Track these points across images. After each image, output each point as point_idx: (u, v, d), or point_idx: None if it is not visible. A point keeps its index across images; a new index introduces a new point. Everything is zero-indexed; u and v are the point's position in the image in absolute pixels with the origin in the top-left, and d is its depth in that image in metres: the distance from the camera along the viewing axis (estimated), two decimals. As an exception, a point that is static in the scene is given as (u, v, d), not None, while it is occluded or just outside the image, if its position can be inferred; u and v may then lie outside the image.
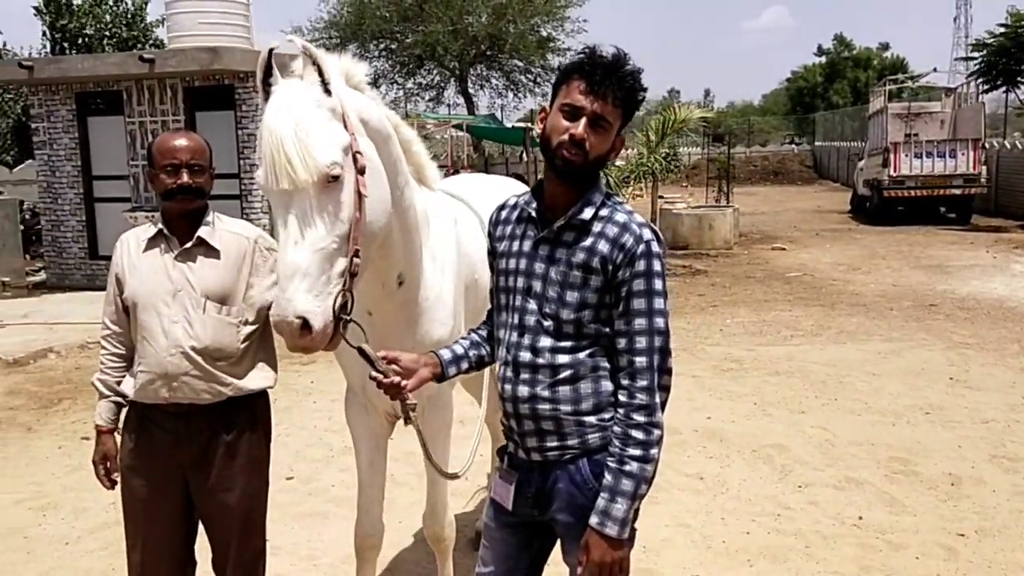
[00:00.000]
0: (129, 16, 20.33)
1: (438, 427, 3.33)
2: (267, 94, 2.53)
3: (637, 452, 2.30)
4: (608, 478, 2.31)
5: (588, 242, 2.33)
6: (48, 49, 19.65)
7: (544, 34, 30.17)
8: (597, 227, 2.35)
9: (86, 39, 19.00)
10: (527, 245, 2.44)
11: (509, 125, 28.58)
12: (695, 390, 7.50)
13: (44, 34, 19.97)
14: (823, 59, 65.41)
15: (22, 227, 15.13)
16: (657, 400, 2.33)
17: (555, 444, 2.40)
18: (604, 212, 2.37)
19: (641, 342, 2.31)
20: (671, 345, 2.38)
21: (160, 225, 2.99)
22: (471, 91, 31.88)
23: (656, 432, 2.32)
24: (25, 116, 15.99)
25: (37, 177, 13.91)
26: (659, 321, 2.33)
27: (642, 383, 2.31)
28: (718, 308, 11.34)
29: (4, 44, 20.26)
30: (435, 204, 3.27)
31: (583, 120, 2.29)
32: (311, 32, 30.09)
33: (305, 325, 2.33)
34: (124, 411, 3.09)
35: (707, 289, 12.84)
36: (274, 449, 3.29)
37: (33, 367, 8.82)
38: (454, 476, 3.01)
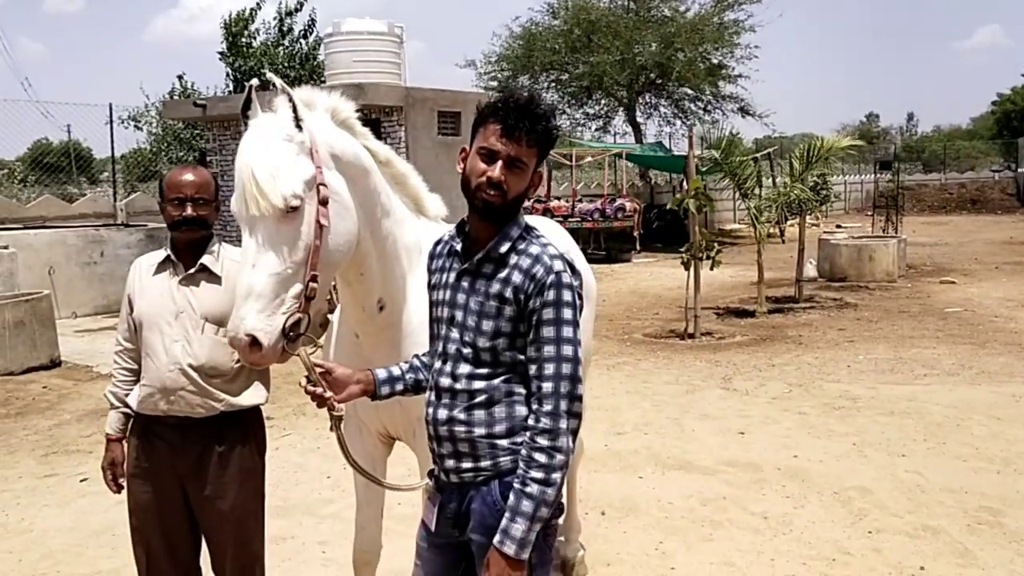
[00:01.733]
0: (301, 56, 21.90)
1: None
2: (247, 127, 2.77)
3: (539, 475, 2.38)
4: (511, 499, 2.40)
5: (503, 273, 2.45)
6: (231, 89, 21.47)
7: (714, 61, 29.83)
8: (513, 259, 2.46)
9: (261, 79, 20.50)
10: (452, 277, 2.58)
11: (676, 153, 28.36)
12: (794, 428, 7.28)
13: (227, 75, 21.86)
14: (1033, 80, 60.71)
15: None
16: (563, 425, 2.40)
17: (470, 466, 2.51)
18: (520, 245, 2.48)
19: (549, 369, 2.40)
20: (581, 372, 2.45)
21: (168, 252, 3.33)
22: (639, 119, 31.89)
23: (559, 457, 2.39)
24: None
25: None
26: (567, 349, 2.41)
27: (547, 408, 2.39)
28: (854, 344, 10.86)
29: (192, 85, 22.36)
30: (433, 235, 3.40)
31: (499, 163, 2.42)
32: (484, 65, 31.07)
33: (255, 343, 2.54)
34: (131, 422, 3.42)
35: (850, 323, 12.30)
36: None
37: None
38: (397, 488, 3.14)
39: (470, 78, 31.58)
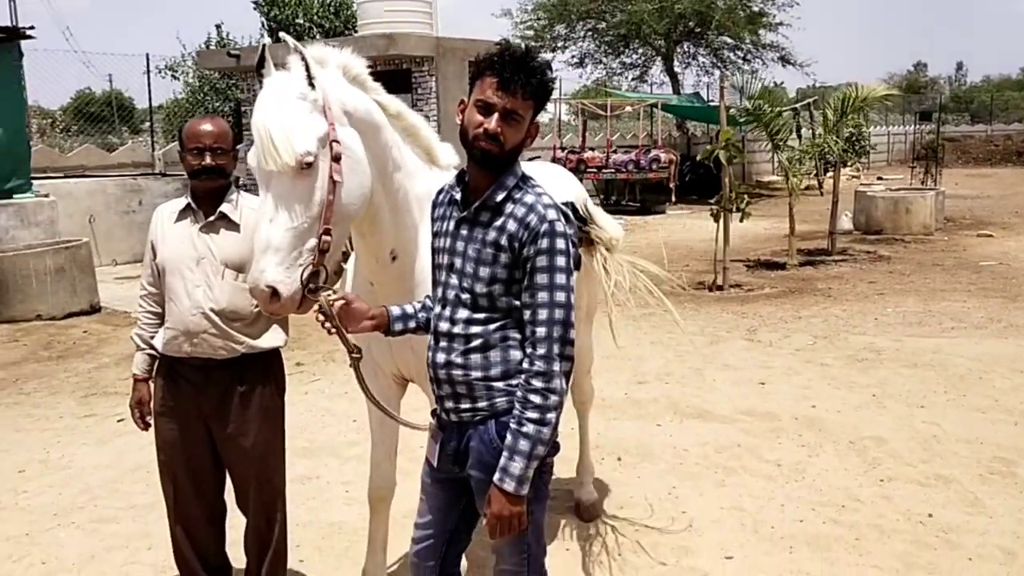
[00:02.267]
0: (335, 6, 21.88)
1: None
2: (261, 84, 2.86)
3: (534, 415, 2.50)
4: (509, 438, 2.53)
5: (499, 222, 2.55)
6: (266, 39, 21.50)
7: (755, 9, 29.25)
8: (508, 208, 2.56)
9: (296, 28, 20.61)
10: (451, 225, 2.68)
11: (713, 104, 27.99)
12: (815, 379, 7.33)
13: (261, 24, 21.97)
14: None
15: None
16: (556, 368, 2.51)
17: (467, 406, 2.64)
18: (516, 195, 2.58)
19: (542, 314, 2.51)
20: (572, 317, 2.54)
21: (189, 199, 3.45)
22: (677, 69, 31.45)
23: (553, 398, 2.51)
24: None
25: (244, 156, 15.37)
26: (560, 295, 2.51)
27: (541, 351, 2.50)
28: (884, 296, 10.82)
29: (228, 34, 22.48)
30: (443, 183, 3.49)
31: (495, 115, 2.50)
32: (520, 14, 30.75)
33: (274, 294, 2.67)
34: (156, 363, 3.59)
35: (881, 276, 12.24)
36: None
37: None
38: (412, 425, 3.28)
39: (506, 27, 31.26)
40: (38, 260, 9.63)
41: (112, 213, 13.71)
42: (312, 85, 2.77)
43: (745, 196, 11.67)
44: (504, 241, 2.52)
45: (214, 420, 3.50)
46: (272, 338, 3.50)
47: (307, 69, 2.78)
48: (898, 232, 16.19)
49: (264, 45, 2.89)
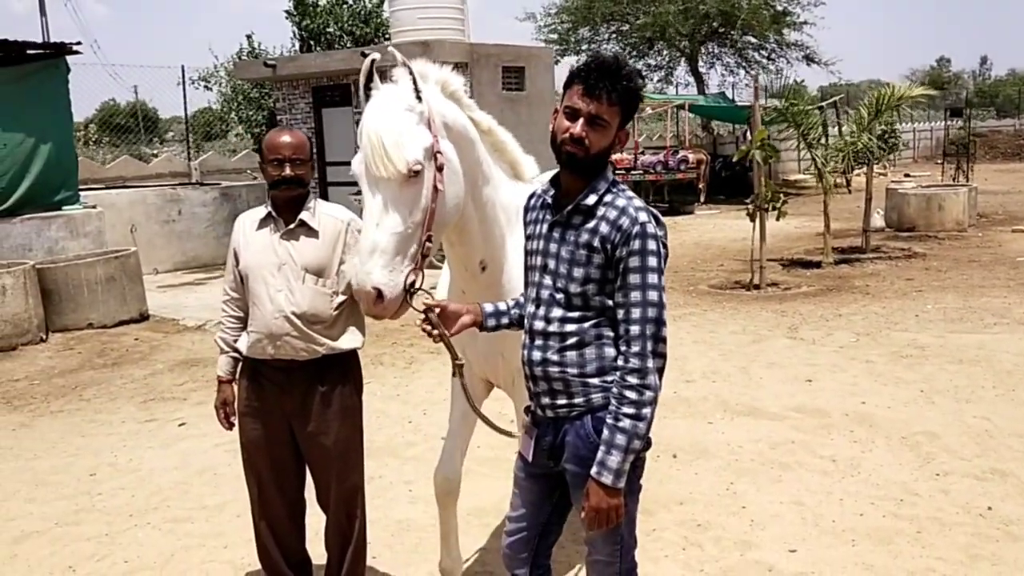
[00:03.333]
0: (365, 14, 22.08)
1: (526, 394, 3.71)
2: (368, 97, 2.99)
3: (630, 410, 2.59)
4: (605, 433, 2.62)
5: (592, 224, 2.66)
6: (297, 48, 21.76)
7: (779, 8, 29.22)
8: (600, 211, 2.67)
9: (327, 37, 20.83)
10: (544, 228, 2.79)
11: (739, 104, 28.00)
12: (862, 375, 7.38)
13: (293, 34, 22.20)
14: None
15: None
16: (650, 364, 2.61)
17: (564, 402, 2.74)
18: (608, 198, 2.69)
19: (635, 313, 2.61)
20: (665, 316, 2.65)
21: (269, 208, 3.59)
22: (701, 70, 31.45)
23: (648, 393, 2.61)
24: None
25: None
26: (652, 294, 2.61)
27: (636, 349, 2.60)
28: (923, 293, 10.83)
29: (260, 44, 22.71)
30: (526, 196, 3.59)
31: (581, 120, 2.62)
32: (544, 18, 30.84)
33: (379, 295, 2.79)
34: (240, 365, 3.72)
35: (918, 273, 12.24)
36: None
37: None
38: (509, 434, 3.40)
39: (530, 31, 31.39)
40: (89, 270, 9.83)
41: (153, 223, 13.93)
42: (419, 98, 2.91)
43: (781, 195, 11.70)
44: (597, 243, 2.63)
45: (296, 419, 3.62)
46: (351, 339, 3.64)
47: (414, 83, 2.92)
48: (931, 229, 16.14)
49: (372, 60, 3.02)
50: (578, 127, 2.61)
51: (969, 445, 5.78)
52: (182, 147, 19.42)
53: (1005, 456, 5.58)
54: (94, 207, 11.78)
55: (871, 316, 9.64)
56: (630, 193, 2.73)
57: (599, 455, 2.62)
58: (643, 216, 2.63)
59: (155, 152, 22.09)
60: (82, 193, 12.31)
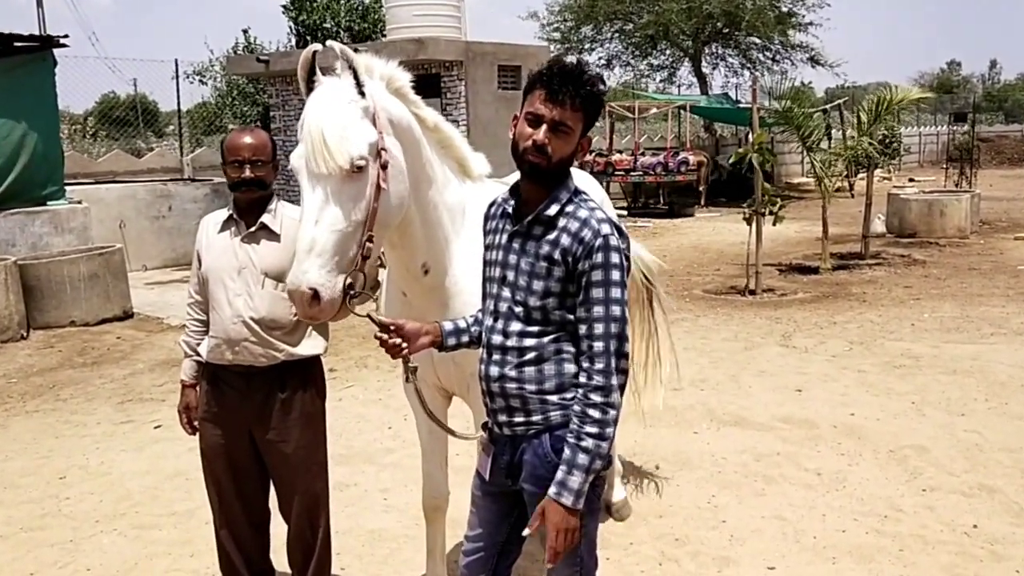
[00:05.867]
0: (363, 10, 21.99)
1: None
2: (310, 90, 2.87)
3: (593, 429, 2.49)
4: (566, 452, 2.52)
5: (552, 236, 2.55)
6: (293, 44, 21.61)
7: (784, 9, 29.01)
8: (561, 222, 2.55)
9: (323, 33, 20.68)
10: (504, 238, 2.68)
11: (743, 105, 27.83)
12: (853, 386, 7.25)
13: (289, 29, 22.08)
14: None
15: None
16: (613, 382, 2.51)
17: (521, 419, 2.64)
18: (569, 208, 2.57)
19: (598, 328, 2.50)
20: (627, 331, 2.54)
21: (231, 211, 3.49)
22: (705, 70, 31.28)
23: (612, 412, 2.51)
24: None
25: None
26: (615, 309, 2.50)
27: (599, 366, 2.50)
28: (920, 301, 10.68)
29: (255, 39, 22.61)
30: (477, 196, 3.40)
31: (543, 127, 2.50)
32: (547, 16, 30.67)
33: (315, 296, 2.65)
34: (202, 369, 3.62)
35: (917, 281, 12.09)
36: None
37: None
38: (464, 437, 3.29)
39: (533, 30, 31.24)
40: (72, 267, 9.71)
41: (142, 219, 13.80)
42: (362, 93, 2.80)
43: (778, 199, 11.56)
44: (558, 255, 2.52)
45: (256, 426, 3.54)
46: (311, 345, 3.55)
47: (356, 77, 2.81)
48: (932, 235, 15.98)
49: (313, 51, 2.91)
50: (541, 134, 2.50)
51: (958, 460, 5.66)
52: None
53: (994, 472, 5.45)
54: (79, 202, 11.64)
55: (866, 324, 9.50)
56: (593, 204, 2.62)
57: (559, 475, 2.51)
58: (606, 228, 2.52)
59: (151, 146, 21.95)
60: (70, 188, 12.18)
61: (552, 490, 2.51)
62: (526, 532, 2.63)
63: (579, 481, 2.49)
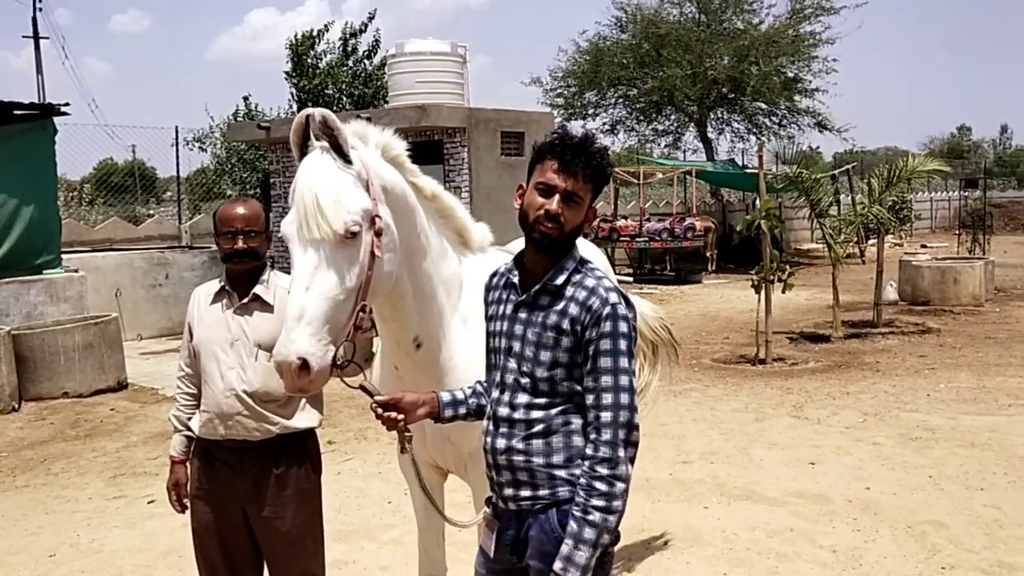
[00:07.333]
0: (365, 76, 22.14)
1: (483, 478, 3.44)
2: (303, 154, 2.80)
3: (600, 503, 2.42)
4: (572, 526, 2.44)
5: (560, 305, 2.51)
6: (294, 110, 21.63)
7: (790, 75, 29.13)
8: (569, 291, 2.52)
9: (325, 99, 20.75)
10: (509, 308, 2.63)
11: (749, 170, 27.86)
12: (868, 459, 7.03)
13: (291, 96, 22.17)
14: None
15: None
16: (621, 454, 2.44)
17: (528, 494, 2.55)
18: (576, 277, 2.54)
19: (607, 399, 2.45)
20: (637, 402, 2.49)
21: (223, 282, 3.39)
22: (710, 135, 31.39)
23: (620, 485, 2.44)
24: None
25: (272, 227, 15.47)
26: (624, 379, 2.46)
27: (606, 437, 2.44)
28: (935, 371, 10.45)
29: (256, 106, 22.73)
30: (476, 268, 3.32)
31: (556, 197, 2.48)
32: (550, 82, 30.80)
33: (304, 366, 2.53)
34: (193, 444, 3.51)
35: (932, 350, 11.87)
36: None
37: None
38: (460, 525, 3.12)
39: (536, 95, 31.43)
40: (67, 337, 9.57)
41: (139, 287, 13.63)
42: (348, 161, 2.74)
43: (787, 266, 11.42)
44: (566, 325, 2.48)
45: (250, 502, 3.42)
46: (306, 418, 3.46)
47: (337, 143, 2.74)
48: (946, 303, 15.75)
49: (307, 116, 2.83)
50: (554, 204, 2.48)
51: (978, 536, 5.44)
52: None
53: (1015, 548, 5.23)
54: (76, 271, 11.54)
55: (880, 395, 9.29)
56: (600, 272, 2.59)
57: (565, 550, 2.43)
58: (614, 297, 2.49)
59: (150, 212, 21.96)
60: (67, 256, 12.10)
61: (557, 565, 2.43)
62: None
63: (586, 556, 2.41)
